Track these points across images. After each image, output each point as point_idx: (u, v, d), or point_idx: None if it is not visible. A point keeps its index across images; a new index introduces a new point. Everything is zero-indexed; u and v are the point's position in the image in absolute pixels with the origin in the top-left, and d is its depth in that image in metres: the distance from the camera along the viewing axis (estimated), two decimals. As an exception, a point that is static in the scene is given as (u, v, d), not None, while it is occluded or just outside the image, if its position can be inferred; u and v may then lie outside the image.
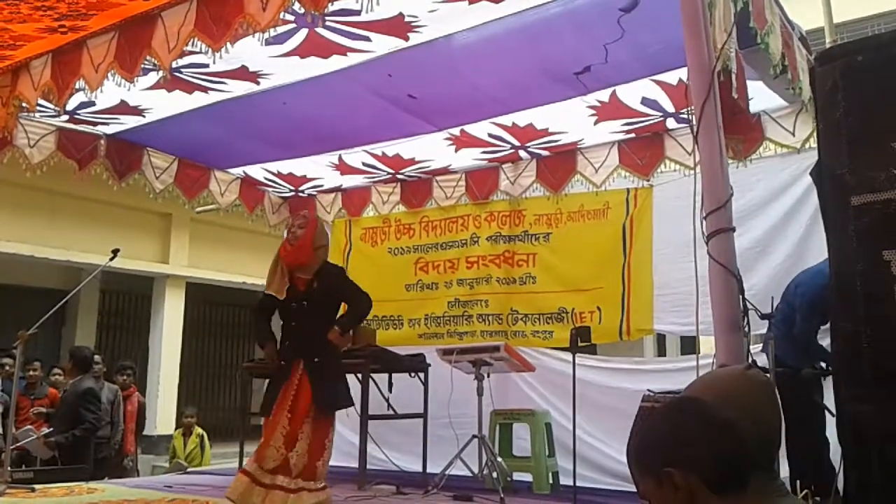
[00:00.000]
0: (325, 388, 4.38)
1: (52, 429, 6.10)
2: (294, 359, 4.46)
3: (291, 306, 4.53)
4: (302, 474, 4.29)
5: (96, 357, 6.97)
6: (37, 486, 4.84)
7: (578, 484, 4.67)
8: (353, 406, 4.82)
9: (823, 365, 4.21)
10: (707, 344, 4.19)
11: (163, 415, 10.76)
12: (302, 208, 7.28)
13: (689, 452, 1.38)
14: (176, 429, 9.42)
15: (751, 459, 1.42)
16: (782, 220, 5.15)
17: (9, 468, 5.02)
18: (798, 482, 3.60)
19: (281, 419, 4.35)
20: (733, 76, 2.99)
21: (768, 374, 3.13)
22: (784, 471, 3.97)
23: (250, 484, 4.30)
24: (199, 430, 8.83)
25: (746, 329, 2.67)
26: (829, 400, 4.15)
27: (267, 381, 4.78)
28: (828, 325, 4.18)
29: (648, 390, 4.60)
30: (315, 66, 4.52)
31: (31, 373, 7.17)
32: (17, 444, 5.87)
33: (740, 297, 2.63)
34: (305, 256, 4.51)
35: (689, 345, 7.44)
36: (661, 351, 11.29)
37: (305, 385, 4.38)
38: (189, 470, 7.07)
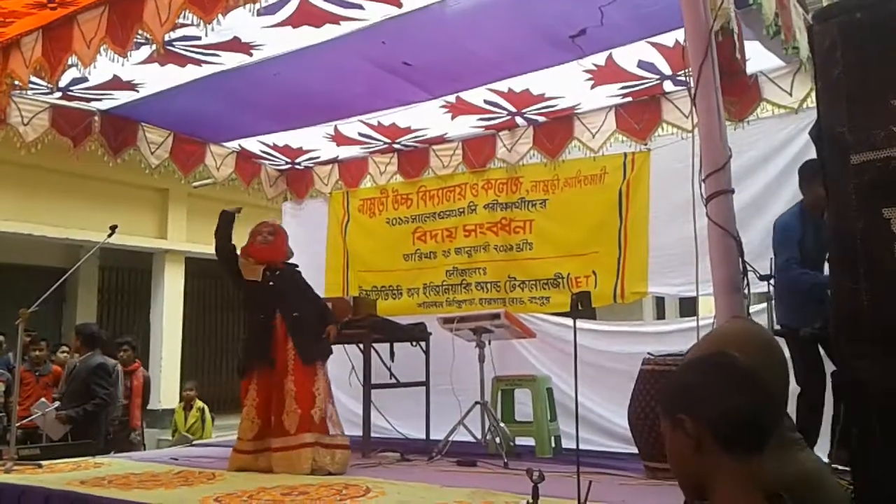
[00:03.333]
0: (304, 340, 4.77)
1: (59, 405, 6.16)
2: (269, 320, 4.82)
3: (266, 274, 4.96)
4: (299, 428, 4.58)
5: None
6: (44, 463, 4.87)
7: (581, 447, 4.71)
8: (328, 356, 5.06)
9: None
10: (706, 305, 4.22)
11: (167, 389, 10.82)
12: (299, 181, 7.28)
13: (707, 404, 1.41)
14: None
15: (773, 417, 1.46)
16: (777, 178, 5.12)
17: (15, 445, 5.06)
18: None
19: (250, 391, 4.81)
20: (735, 36, 2.96)
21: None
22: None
23: (240, 456, 4.73)
24: (199, 403, 8.91)
25: (746, 290, 2.69)
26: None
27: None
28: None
29: (648, 353, 4.64)
30: (308, 36, 4.47)
31: (37, 352, 7.21)
32: (34, 416, 5.94)
33: (739, 258, 2.64)
34: (280, 255, 5.09)
35: (688, 307, 7.47)
36: (661, 314, 11.35)
37: (284, 339, 4.77)
38: (195, 442, 7.12)
